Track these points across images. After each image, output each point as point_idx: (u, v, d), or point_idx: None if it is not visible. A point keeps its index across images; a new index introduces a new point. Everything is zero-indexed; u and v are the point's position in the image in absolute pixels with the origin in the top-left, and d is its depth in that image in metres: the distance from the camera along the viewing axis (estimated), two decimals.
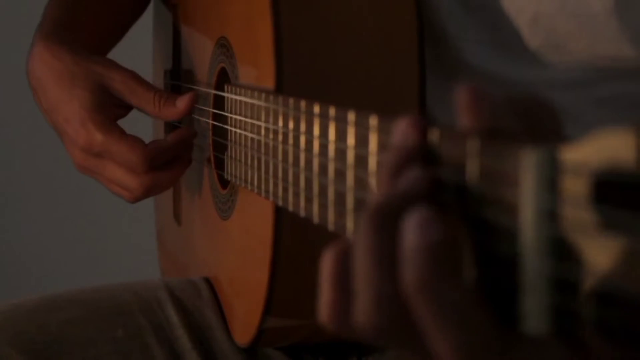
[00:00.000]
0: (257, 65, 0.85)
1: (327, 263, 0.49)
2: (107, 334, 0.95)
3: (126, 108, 1.01)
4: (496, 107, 0.45)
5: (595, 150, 0.39)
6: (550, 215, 0.40)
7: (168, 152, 0.99)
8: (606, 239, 0.38)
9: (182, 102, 0.99)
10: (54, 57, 1.01)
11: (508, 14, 0.83)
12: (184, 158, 1.02)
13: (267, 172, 0.78)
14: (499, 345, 0.44)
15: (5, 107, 2.20)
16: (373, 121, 0.56)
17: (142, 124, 1.10)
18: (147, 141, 0.99)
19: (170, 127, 1.14)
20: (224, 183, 0.97)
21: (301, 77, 0.81)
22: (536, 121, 0.45)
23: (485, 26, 0.85)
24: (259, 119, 0.80)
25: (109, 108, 0.99)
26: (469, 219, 0.45)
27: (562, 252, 0.40)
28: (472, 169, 0.45)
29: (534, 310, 0.41)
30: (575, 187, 0.39)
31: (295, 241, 0.83)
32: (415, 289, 0.44)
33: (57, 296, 0.98)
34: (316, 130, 0.65)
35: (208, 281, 1.02)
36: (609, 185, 0.38)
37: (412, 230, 0.44)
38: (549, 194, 0.40)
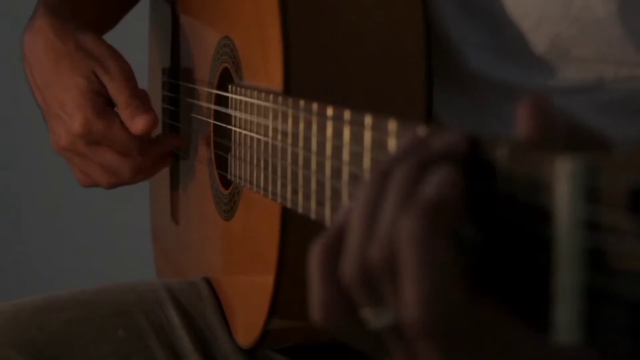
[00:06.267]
0: (264, 67, 0.84)
1: (315, 256, 0.51)
2: (108, 334, 0.94)
3: None
4: (555, 121, 0.44)
5: (633, 159, 0.38)
6: (586, 224, 0.40)
7: (160, 145, 1.03)
8: None
9: (139, 124, 0.97)
10: (57, 37, 1.00)
11: (511, 18, 0.83)
12: (168, 156, 1.05)
13: (274, 173, 0.77)
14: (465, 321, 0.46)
15: (5, 107, 2.19)
16: (392, 125, 0.55)
17: None
18: None
19: (168, 116, 1.14)
20: (226, 183, 0.96)
21: (309, 80, 0.80)
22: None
23: (488, 31, 0.84)
24: (266, 120, 0.79)
25: (104, 92, 0.99)
26: (501, 226, 0.45)
27: (597, 261, 0.40)
28: (506, 176, 0.45)
29: (567, 320, 0.41)
30: (612, 196, 0.39)
31: (302, 242, 0.82)
32: (410, 239, 0.46)
33: (58, 297, 0.97)
34: (329, 133, 0.65)
35: (208, 282, 1.01)
36: None
37: (434, 185, 0.47)
38: (585, 202, 0.40)
